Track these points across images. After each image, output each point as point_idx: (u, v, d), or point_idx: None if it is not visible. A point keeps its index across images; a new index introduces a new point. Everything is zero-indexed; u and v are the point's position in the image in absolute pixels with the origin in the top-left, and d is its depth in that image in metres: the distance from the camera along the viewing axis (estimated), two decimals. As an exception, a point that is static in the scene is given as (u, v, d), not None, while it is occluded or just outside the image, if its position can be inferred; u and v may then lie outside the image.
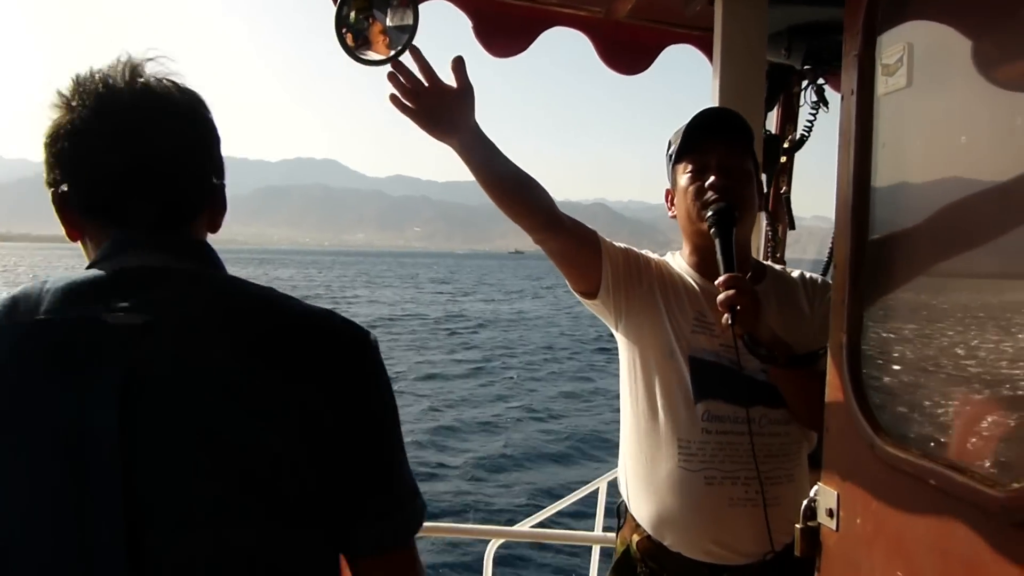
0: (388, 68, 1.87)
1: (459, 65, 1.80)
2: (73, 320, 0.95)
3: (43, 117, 1.07)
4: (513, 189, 1.85)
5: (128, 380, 0.91)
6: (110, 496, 0.88)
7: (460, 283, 79.34)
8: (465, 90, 1.79)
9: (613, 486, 3.39)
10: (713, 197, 1.83)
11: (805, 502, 1.49)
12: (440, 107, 1.79)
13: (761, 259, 2.91)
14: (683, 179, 1.92)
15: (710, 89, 2.61)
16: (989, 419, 1.23)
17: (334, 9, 2.51)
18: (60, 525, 0.89)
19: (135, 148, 1.05)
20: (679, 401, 1.87)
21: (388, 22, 2.80)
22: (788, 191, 3.19)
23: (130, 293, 0.98)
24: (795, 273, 2.04)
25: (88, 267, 1.04)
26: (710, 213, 1.82)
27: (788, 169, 3.15)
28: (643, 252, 2.03)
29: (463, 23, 2.78)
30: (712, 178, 1.85)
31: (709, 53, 3.01)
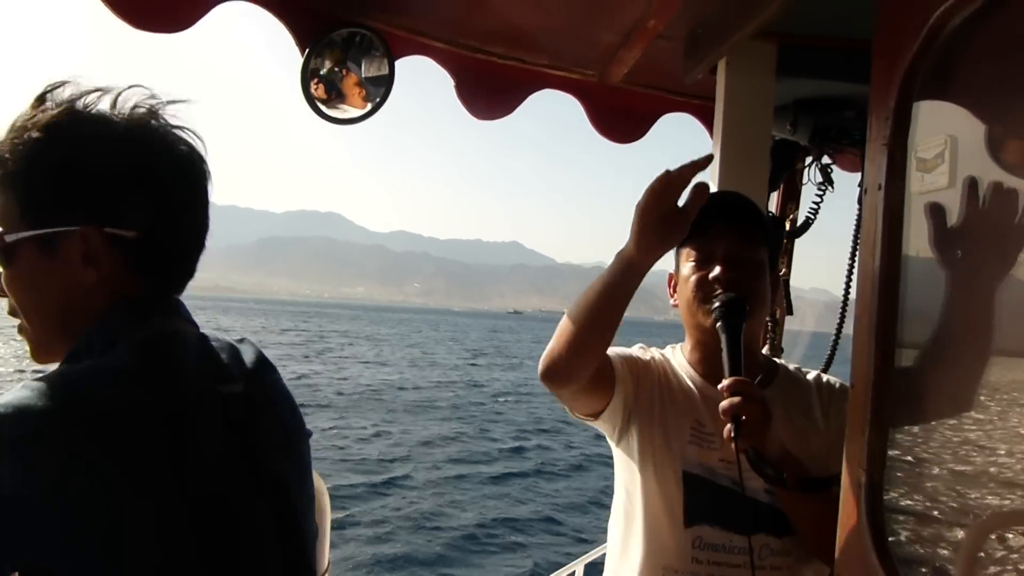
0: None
1: (702, 193, 1.50)
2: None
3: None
4: (611, 327, 1.57)
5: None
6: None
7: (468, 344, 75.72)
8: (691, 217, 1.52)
9: (592, 568, 3.12)
10: (719, 291, 1.64)
11: None
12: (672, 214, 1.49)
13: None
14: (686, 267, 1.73)
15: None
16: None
17: (300, 59, 2.35)
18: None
19: (201, 211, 1.13)
20: (666, 524, 1.66)
21: (364, 73, 2.62)
22: (788, 274, 3.00)
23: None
24: (811, 375, 1.83)
25: (131, 323, 1.04)
26: (716, 305, 1.61)
27: (788, 251, 2.96)
28: (642, 352, 1.83)
29: (445, 82, 2.61)
30: (718, 269, 1.65)
31: (709, 124, 2.87)
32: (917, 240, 1.17)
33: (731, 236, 1.67)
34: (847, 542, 1.25)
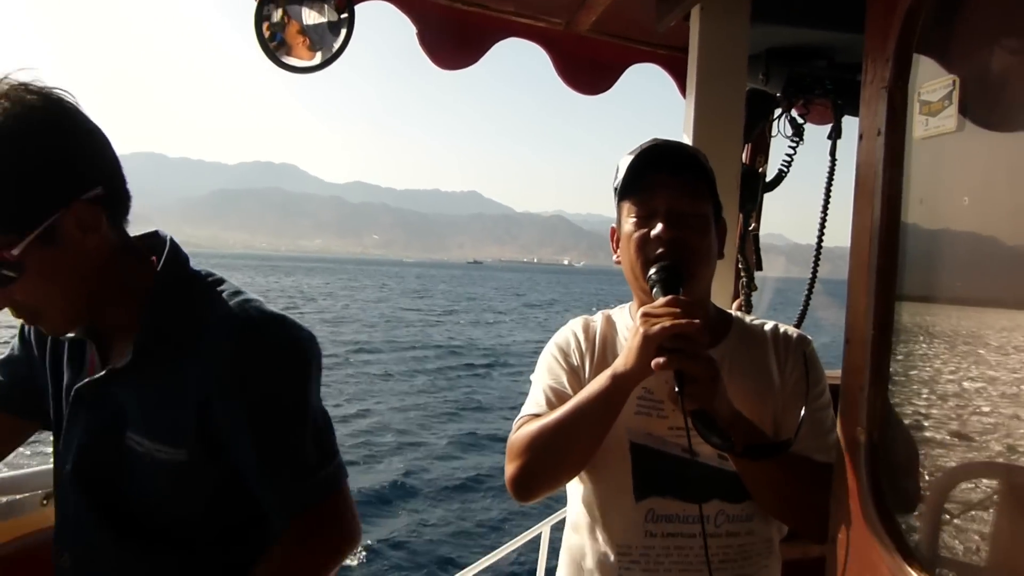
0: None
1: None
2: None
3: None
4: (599, 442, 1.54)
5: None
6: None
7: (438, 299, 72.32)
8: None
9: (557, 529, 3.09)
10: (658, 252, 1.54)
11: None
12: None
13: (732, 306, 2.68)
14: (628, 224, 1.61)
15: (682, 114, 2.37)
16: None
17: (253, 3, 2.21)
18: None
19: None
20: (617, 498, 1.58)
21: (306, 20, 2.44)
22: (757, 229, 2.98)
23: None
24: (767, 327, 1.71)
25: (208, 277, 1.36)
26: (652, 271, 1.53)
27: (758, 205, 2.93)
28: (573, 335, 1.73)
29: (407, 29, 2.49)
30: (660, 227, 1.55)
31: (677, 75, 2.82)
32: (919, 187, 1.13)
33: (673, 189, 1.57)
34: (845, 505, 1.22)
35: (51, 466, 1.42)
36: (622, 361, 1.45)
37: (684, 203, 1.56)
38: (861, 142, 1.23)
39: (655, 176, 1.58)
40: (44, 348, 1.42)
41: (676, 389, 1.33)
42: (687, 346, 1.35)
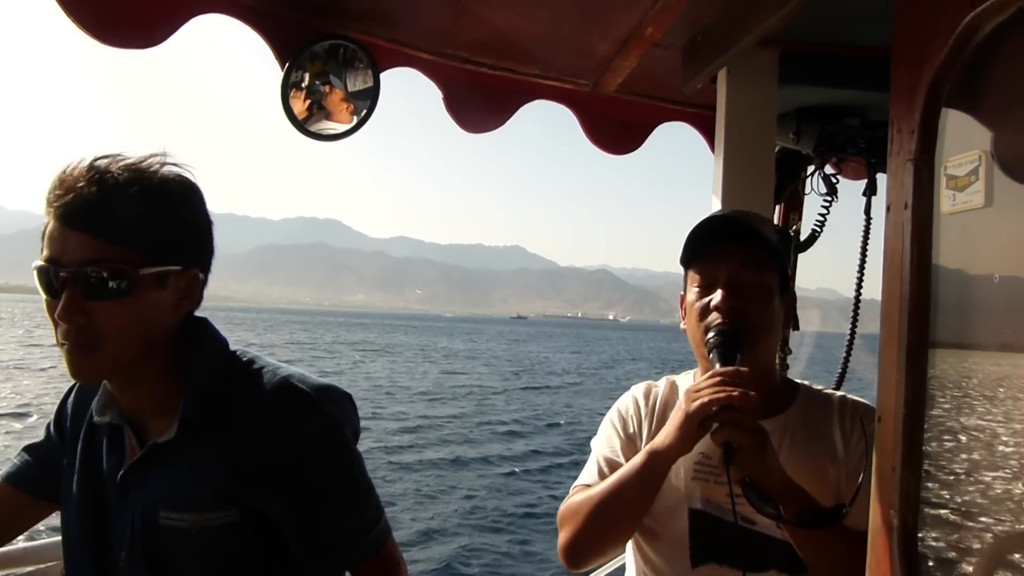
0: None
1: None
2: None
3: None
4: (644, 513, 1.62)
5: None
6: None
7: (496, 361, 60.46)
8: None
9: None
10: (716, 320, 1.59)
11: None
12: None
13: None
14: (691, 293, 1.69)
15: (711, 174, 2.37)
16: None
17: (280, 73, 2.27)
18: None
19: None
20: (674, 564, 1.61)
21: (350, 87, 2.55)
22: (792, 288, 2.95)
23: None
24: (835, 396, 1.74)
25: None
26: (710, 335, 1.58)
27: (792, 265, 2.90)
28: (633, 401, 1.80)
29: (433, 93, 2.54)
30: (719, 297, 1.60)
31: (707, 133, 2.83)
32: (948, 262, 1.11)
33: (734, 260, 1.63)
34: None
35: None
36: (661, 438, 1.52)
37: (745, 274, 1.61)
38: (889, 214, 1.21)
39: (717, 246, 1.64)
40: (76, 440, 1.47)
41: (724, 459, 1.40)
42: (734, 416, 1.41)
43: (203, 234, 1.37)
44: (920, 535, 1.14)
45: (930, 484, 1.17)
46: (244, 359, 1.44)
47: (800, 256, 2.96)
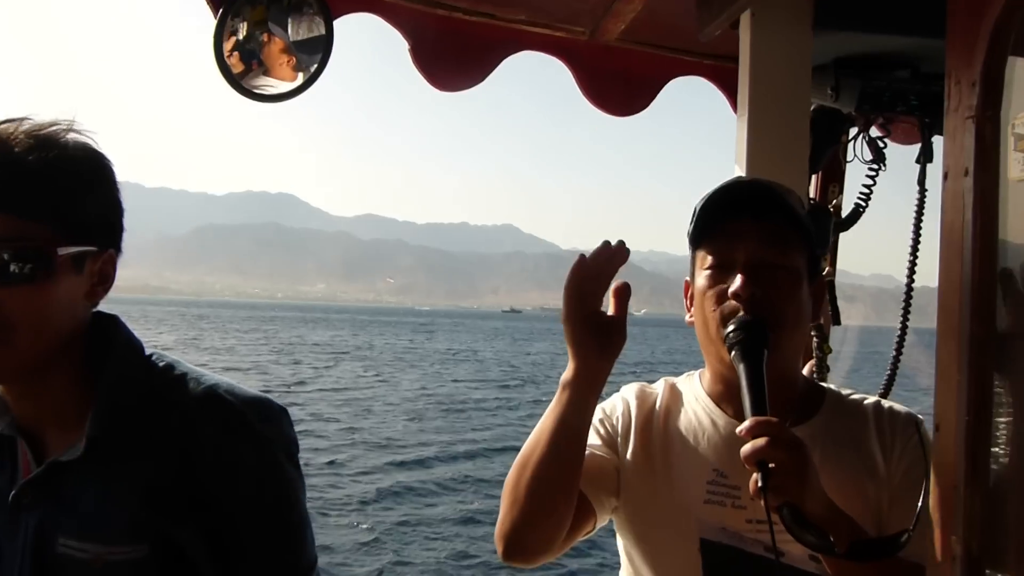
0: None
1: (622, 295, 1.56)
2: None
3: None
4: (573, 477, 1.56)
5: None
6: None
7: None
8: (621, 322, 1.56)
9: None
10: (736, 310, 1.58)
11: None
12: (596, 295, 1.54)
13: (806, 370, 2.65)
14: (701, 278, 1.66)
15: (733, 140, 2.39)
16: None
17: (212, 21, 2.26)
18: None
19: None
20: None
21: (292, 36, 2.52)
22: (833, 275, 2.96)
23: None
24: (868, 402, 1.73)
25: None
26: (731, 329, 1.56)
27: (833, 247, 2.92)
28: (623, 402, 1.80)
29: (398, 44, 2.54)
30: (738, 282, 1.57)
31: (728, 88, 2.86)
32: (1017, 238, 1.12)
33: (755, 237, 1.61)
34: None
35: None
36: (569, 365, 1.52)
37: (770, 253, 1.60)
38: (946, 183, 1.22)
39: (734, 221, 1.62)
40: None
41: (758, 478, 1.35)
42: (769, 428, 1.39)
43: (118, 209, 1.41)
44: (988, 570, 1.16)
45: (999, 506, 1.18)
46: (161, 364, 1.45)
47: (842, 236, 2.99)
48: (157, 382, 1.42)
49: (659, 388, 1.80)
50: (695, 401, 1.73)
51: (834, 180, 3.00)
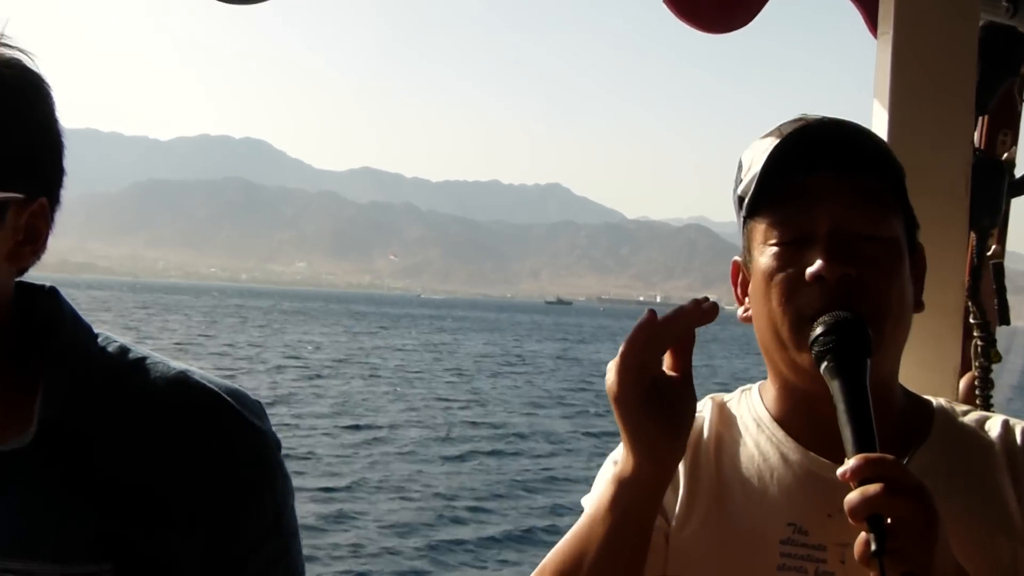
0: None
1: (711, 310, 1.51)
2: None
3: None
4: None
5: None
6: None
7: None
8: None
9: None
10: (822, 303, 1.52)
11: None
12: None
13: (960, 388, 2.60)
14: (765, 257, 1.62)
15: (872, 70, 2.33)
16: None
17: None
18: None
19: None
20: None
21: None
22: (1001, 255, 2.88)
23: None
24: (991, 422, 1.69)
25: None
26: (819, 333, 1.50)
27: (1003, 216, 2.84)
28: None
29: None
30: (819, 264, 1.52)
31: (866, 6, 2.83)
32: None
33: (842, 199, 1.56)
34: None
35: None
36: (623, 456, 1.52)
37: (860, 222, 1.56)
38: None
39: (811, 178, 1.58)
40: None
41: (871, 540, 1.29)
42: (884, 470, 1.34)
43: (56, 148, 1.41)
44: None
45: None
46: (112, 346, 1.49)
47: (1016, 203, 2.95)
48: (115, 363, 1.46)
49: (705, 411, 1.77)
50: (756, 428, 1.71)
51: (1007, 125, 2.96)
